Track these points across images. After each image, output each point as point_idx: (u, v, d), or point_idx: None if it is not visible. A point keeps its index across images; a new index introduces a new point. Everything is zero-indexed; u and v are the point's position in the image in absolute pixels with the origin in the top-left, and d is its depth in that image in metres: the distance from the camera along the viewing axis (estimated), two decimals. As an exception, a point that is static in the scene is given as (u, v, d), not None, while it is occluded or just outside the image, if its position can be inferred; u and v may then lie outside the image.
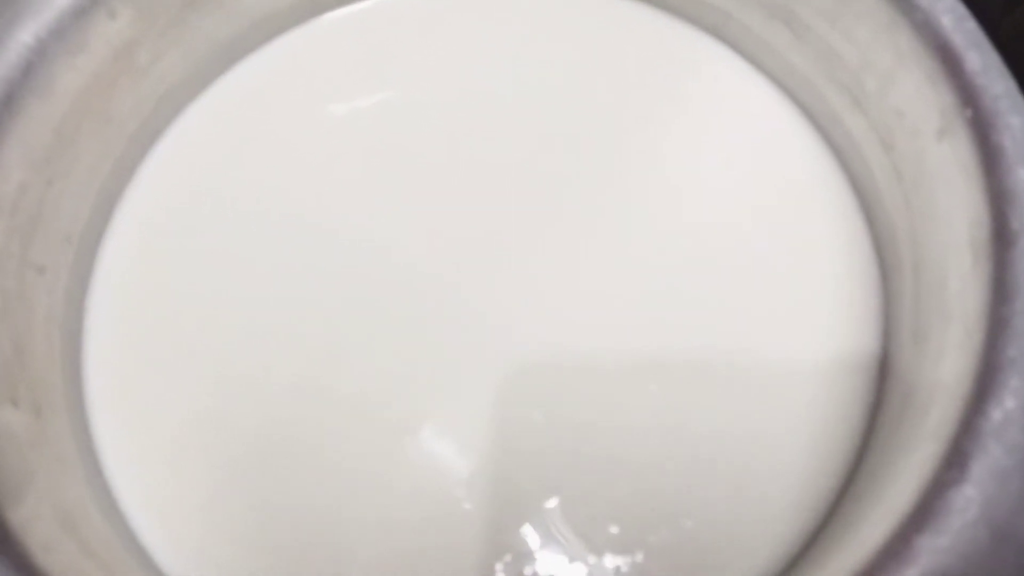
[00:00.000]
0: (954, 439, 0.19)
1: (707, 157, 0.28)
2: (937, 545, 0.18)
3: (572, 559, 0.23)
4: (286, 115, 0.29)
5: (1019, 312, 0.19)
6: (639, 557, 0.23)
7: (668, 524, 0.24)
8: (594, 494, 0.24)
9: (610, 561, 0.23)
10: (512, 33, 0.30)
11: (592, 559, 0.23)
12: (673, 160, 0.28)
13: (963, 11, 0.22)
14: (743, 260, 0.26)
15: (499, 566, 0.23)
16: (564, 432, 0.24)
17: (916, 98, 0.23)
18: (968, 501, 0.18)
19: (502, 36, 0.30)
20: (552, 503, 0.24)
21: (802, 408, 0.25)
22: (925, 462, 0.19)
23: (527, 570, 0.23)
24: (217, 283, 0.27)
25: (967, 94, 0.21)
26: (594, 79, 0.29)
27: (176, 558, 0.24)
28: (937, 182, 0.23)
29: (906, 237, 0.24)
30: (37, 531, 0.20)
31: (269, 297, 0.26)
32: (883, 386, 0.25)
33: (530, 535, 0.24)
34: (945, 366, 0.21)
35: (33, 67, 0.23)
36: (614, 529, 0.24)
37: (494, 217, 0.27)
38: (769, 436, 0.24)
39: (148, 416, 0.26)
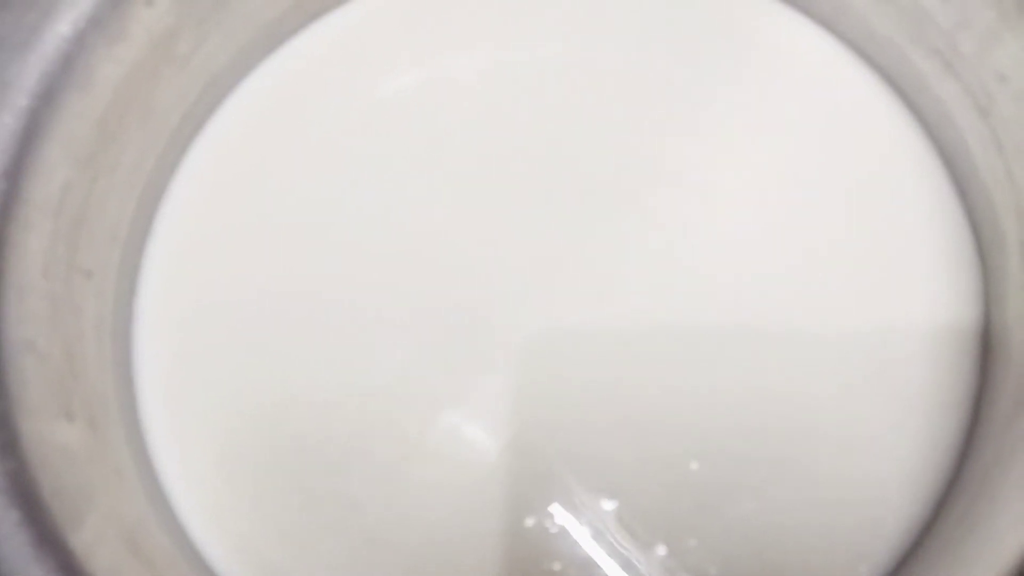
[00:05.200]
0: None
1: (778, 127, 0.27)
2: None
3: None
4: (333, 97, 0.27)
5: None
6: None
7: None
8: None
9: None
10: (567, 4, 0.28)
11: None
12: (744, 135, 0.27)
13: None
14: (824, 231, 0.26)
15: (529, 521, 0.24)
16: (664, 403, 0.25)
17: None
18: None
19: (555, 7, 0.28)
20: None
21: (899, 381, 0.24)
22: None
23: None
24: (267, 275, 0.26)
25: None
26: (652, 49, 0.28)
27: (238, 568, 0.24)
28: (1050, 153, 0.21)
29: (1009, 212, 0.23)
30: (102, 555, 0.19)
31: (325, 287, 0.26)
32: (989, 369, 0.23)
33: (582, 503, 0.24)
34: (1070, 354, 0.19)
35: (72, 59, 0.22)
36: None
37: (551, 195, 0.26)
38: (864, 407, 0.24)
39: (204, 420, 0.25)
